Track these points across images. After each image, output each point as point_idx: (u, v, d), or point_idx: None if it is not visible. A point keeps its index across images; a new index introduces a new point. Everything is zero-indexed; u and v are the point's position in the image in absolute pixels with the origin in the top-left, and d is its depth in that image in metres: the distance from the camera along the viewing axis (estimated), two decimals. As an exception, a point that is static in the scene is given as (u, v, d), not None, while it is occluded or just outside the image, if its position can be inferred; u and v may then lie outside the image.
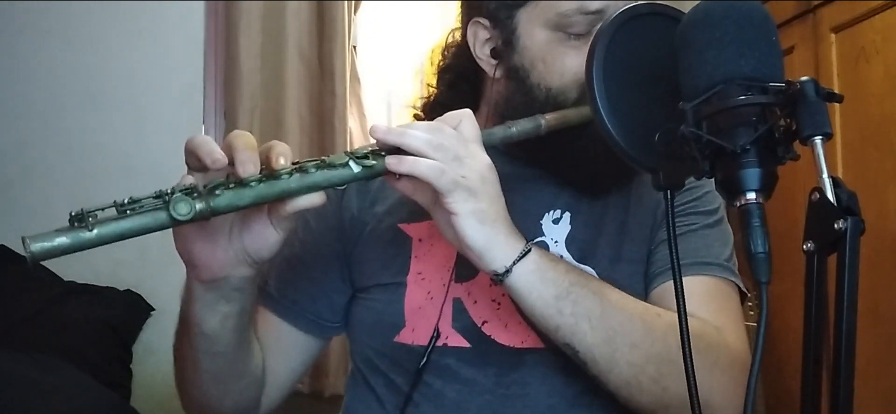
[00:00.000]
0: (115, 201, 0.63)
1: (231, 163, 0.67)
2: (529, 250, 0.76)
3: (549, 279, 0.77)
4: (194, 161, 0.68)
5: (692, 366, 0.60)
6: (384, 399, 0.93)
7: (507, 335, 0.88)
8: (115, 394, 1.74)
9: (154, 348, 2.08)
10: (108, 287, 2.06)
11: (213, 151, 0.67)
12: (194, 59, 2.25)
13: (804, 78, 0.52)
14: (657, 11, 0.69)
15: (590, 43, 0.85)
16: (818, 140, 0.50)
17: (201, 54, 2.26)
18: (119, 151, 2.18)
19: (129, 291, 2.09)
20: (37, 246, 0.59)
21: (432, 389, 0.89)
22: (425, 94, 1.06)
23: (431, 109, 1.03)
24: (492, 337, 0.88)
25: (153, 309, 2.09)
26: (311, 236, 0.97)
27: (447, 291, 0.89)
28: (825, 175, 0.50)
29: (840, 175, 1.37)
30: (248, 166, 0.66)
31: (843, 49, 1.68)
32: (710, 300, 0.87)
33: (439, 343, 0.89)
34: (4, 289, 1.90)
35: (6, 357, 1.54)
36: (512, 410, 0.87)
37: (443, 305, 0.89)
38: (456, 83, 1.01)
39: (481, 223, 0.74)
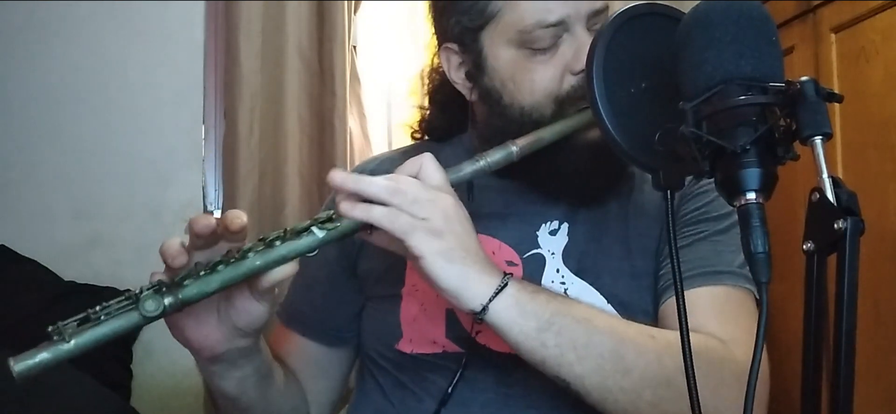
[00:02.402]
0: (87, 311, 0.66)
1: (195, 248, 0.70)
2: (506, 284, 0.74)
3: (528, 312, 0.74)
4: (165, 262, 0.70)
5: (694, 383, 0.59)
6: (391, 394, 0.94)
7: (501, 343, 0.87)
8: (115, 394, 1.74)
9: (154, 348, 2.07)
10: (108, 287, 2.06)
11: (174, 253, 0.69)
12: (194, 59, 2.25)
13: (804, 78, 0.52)
14: (657, 11, 0.69)
15: (558, 54, 0.85)
16: (818, 140, 0.50)
17: (201, 54, 2.25)
18: (119, 151, 2.18)
19: (128, 291, 2.09)
20: (20, 366, 0.63)
21: (435, 385, 0.89)
22: (418, 117, 1.06)
23: (427, 131, 1.04)
24: (486, 345, 0.88)
25: (153, 309, 2.09)
26: (320, 255, 0.98)
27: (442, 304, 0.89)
28: (825, 175, 0.50)
29: (840, 175, 1.37)
30: (201, 223, 0.69)
31: (843, 49, 1.68)
32: (719, 311, 0.83)
33: (438, 350, 0.89)
34: (4, 289, 1.90)
35: (6, 357, 1.54)
36: (515, 408, 0.87)
37: (445, 324, 0.89)
38: (446, 105, 1.01)
39: (450, 262, 0.72)
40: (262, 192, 2.14)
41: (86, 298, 2.00)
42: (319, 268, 0.98)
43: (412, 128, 1.06)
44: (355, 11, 2.31)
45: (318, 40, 2.25)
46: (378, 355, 0.95)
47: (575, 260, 0.90)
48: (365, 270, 0.97)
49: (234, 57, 2.19)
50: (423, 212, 0.72)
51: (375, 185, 0.72)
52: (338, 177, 0.73)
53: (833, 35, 1.71)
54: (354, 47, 2.31)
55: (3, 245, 2.00)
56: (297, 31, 2.22)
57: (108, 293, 2.03)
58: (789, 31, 1.81)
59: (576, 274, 0.89)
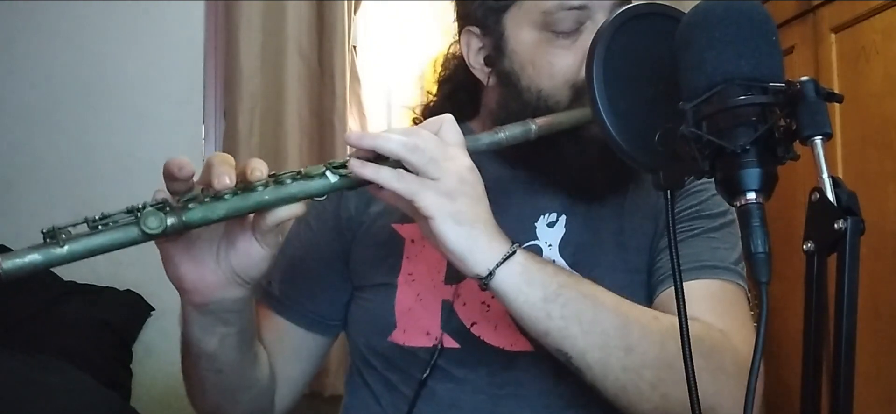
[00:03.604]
0: (86, 218, 0.62)
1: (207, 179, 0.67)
2: (514, 252, 0.74)
3: (536, 281, 0.74)
4: (168, 181, 0.67)
5: (692, 368, 0.59)
6: (381, 397, 0.93)
7: (496, 337, 0.87)
8: (115, 394, 1.74)
9: (154, 348, 2.08)
10: (108, 287, 2.07)
11: (182, 162, 0.66)
12: (194, 59, 2.25)
13: (804, 78, 0.52)
14: (657, 11, 0.69)
15: (579, 41, 0.86)
16: (818, 140, 0.50)
17: (201, 54, 2.26)
18: (119, 151, 2.18)
19: (129, 291, 2.09)
20: (8, 263, 0.59)
21: (427, 388, 0.89)
22: (425, 101, 1.06)
23: (430, 116, 1.03)
24: (481, 338, 0.87)
25: (153, 309, 2.09)
26: (311, 237, 0.98)
27: (446, 293, 0.89)
28: (825, 175, 0.50)
29: (840, 175, 1.37)
30: (224, 178, 0.66)
31: (843, 49, 1.69)
32: (716, 304, 0.84)
33: (430, 344, 0.89)
34: (4, 289, 1.90)
35: (6, 357, 1.54)
36: (506, 409, 0.87)
37: (440, 314, 0.88)
38: (454, 94, 1.01)
39: (459, 225, 0.72)
40: (262, 192, 2.14)
41: (86, 298, 2.00)
42: (309, 250, 0.97)
43: (414, 113, 1.06)
44: (355, 11, 2.31)
45: (318, 40, 2.25)
46: (369, 351, 0.94)
47: (571, 252, 0.90)
48: (359, 258, 0.96)
49: (234, 57, 2.20)
50: (436, 172, 0.71)
51: (393, 141, 0.72)
52: (353, 136, 0.73)
53: (833, 35, 1.71)
54: (354, 47, 2.31)
55: (2, 245, 2.00)
56: (297, 31, 2.22)
57: (109, 294, 2.05)
58: (789, 31, 1.81)
59: (571, 266, 0.89)
